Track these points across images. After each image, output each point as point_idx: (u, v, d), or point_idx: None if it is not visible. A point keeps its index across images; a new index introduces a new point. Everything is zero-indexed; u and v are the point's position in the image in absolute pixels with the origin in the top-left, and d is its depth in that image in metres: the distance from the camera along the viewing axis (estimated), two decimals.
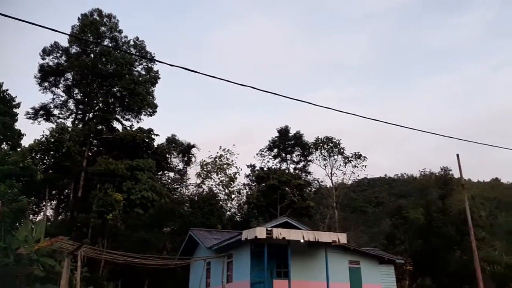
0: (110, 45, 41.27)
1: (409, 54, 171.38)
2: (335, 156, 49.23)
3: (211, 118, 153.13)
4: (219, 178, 45.30)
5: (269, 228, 20.57)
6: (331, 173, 49.21)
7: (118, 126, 42.29)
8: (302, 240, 21.13)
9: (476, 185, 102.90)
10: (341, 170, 49.32)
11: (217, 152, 46.03)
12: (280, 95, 11.05)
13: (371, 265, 24.54)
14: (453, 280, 41.28)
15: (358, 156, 49.05)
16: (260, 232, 20.02)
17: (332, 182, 49.48)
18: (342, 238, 22.06)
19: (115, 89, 41.34)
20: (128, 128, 41.47)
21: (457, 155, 25.30)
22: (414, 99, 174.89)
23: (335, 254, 22.93)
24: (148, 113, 42.22)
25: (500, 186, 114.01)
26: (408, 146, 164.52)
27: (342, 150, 49.07)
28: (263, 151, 51.34)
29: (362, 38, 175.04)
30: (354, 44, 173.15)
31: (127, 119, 42.69)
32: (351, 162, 48.99)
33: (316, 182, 51.43)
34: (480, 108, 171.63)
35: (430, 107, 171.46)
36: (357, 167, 49.05)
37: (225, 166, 45.45)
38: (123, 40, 42.26)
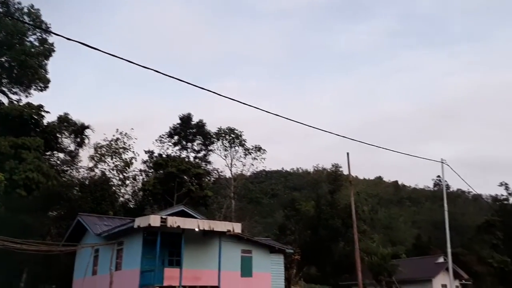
0: (0, 10, 37.33)
1: (313, 53, 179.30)
2: (236, 147, 49.92)
3: (109, 100, 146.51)
4: (113, 163, 43.28)
5: (164, 216, 20.21)
6: (231, 163, 49.83)
7: (4, 100, 38.57)
8: (197, 229, 21.04)
9: (362, 182, 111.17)
10: (241, 161, 50.15)
11: (113, 135, 43.92)
12: (184, 82, 10.79)
13: (263, 254, 25.29)
14: (336, 269, 44.38)
15: (258, 148, 50.21)
16: (154, 220, 19.59)
17: (231, 173, 50.10)
18: (237, 227, 22.40)
19: (3, 59, 37.58)
20: (15, 102, 37.95)
21: (347, 153, 26.98)
22: (314, 97, 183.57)
23: (229, 243, 23.22)
24: (39, 88, 38.99)
25: (382, 184, 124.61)
26: (306, 142, 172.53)
27: (243, 142, 49.88)
28: (163, 137, 50.16)
29: (270, 33, 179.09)
30: (262, 38, 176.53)
31: (15, 93, 39.06)
32: (251, 154, 50.00)
33: (215, 172, 51.62)
34: (371, 110, 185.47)
35: (328, 106, 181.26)
36: (257, 159, 50.22)
37: (121, 150, 43.58)
38: (15, 6, 38.43)
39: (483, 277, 48.44)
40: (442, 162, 27.87)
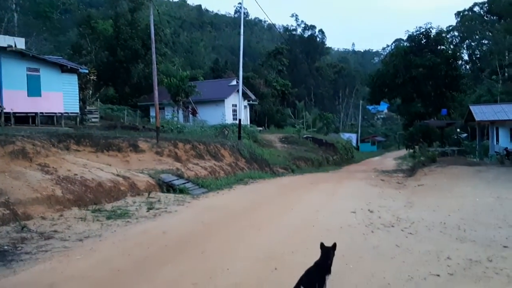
0: None
1: None
2: None
3: None
4: None
5: None
6: None
7: None
8: None
9: (165, 3, 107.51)
10: None
11: None
12: None
13: (52, 73, 23.43)
14: (135, 90, 44.75)
15: None
16: None
17: None
18: (20, 43, 20.16)
19: None
20: None
21: None
22: None
23: (10, 60, 20.71)
24: None
25: (186, 7, 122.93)
26: None
27: None
28: None
29: None
30: None
31: None
32: None
33: None
34: None
35: None
36: None
37: None
38: None
39: (267, 98, 55.33)
40: None
